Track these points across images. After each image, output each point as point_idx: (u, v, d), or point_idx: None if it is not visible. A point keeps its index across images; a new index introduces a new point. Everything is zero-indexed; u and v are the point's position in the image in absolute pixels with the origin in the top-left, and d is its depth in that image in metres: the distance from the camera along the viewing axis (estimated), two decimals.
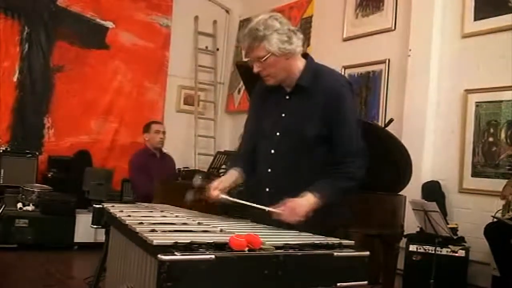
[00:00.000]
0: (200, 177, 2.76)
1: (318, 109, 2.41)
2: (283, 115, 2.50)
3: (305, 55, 2.56)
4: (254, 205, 2.38)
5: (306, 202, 2.29)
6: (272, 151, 2.50)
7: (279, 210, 2.27)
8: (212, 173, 5.08)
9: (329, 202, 2.34)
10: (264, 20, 2.38)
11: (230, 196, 2.48)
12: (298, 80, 2.48)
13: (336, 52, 7.07)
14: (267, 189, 2.50)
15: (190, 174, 5.50)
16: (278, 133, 2.49)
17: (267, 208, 2.31)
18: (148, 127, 5.87)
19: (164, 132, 5.83)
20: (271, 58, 2.37)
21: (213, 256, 1.48)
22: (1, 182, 6.68)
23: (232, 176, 2.62)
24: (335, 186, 2.37)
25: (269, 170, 2.49)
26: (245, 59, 2.62)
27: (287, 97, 2.52)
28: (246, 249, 1.58)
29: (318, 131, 2.40)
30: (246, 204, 2.42)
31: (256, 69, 2.44)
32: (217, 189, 2.50)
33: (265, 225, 2.27)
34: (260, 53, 2.37)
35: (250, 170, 2.62)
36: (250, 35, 2.38)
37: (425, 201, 4.65)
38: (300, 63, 2.50)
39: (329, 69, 2.59)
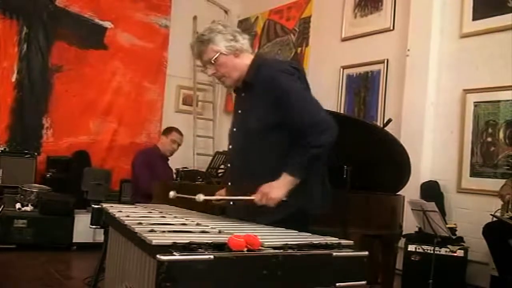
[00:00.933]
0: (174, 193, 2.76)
1: (259, 100, 2.46)
2: (239, 111, 2.63)
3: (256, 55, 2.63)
4: (234, 198, 2.50)
5: (280, 183, 2.34)
6: (230, 146, 2.65)
7: (253, 197, 2.35)
8: (211, 173, 5.08)
9: (302, 175, 2.37)
10: (209, 26, 2.53)
11: None
12: (245, 76, 2.54)
13: (334, 52, 7.09)
14: (229, 183, 2.63)
15: (189, 174, 5.51)
16: (234, 129, 2.63)
17: (241, 198, 2.42)
18: (169, 131, 5.77)
19: (179, 145, 5.76)
20: (220, 57, 2.48)
21: (212, 256, 1.48)
22: (0, 183, 6.67)
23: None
24: (302, 159, 2.37)
25: (229, 165, 2.65)
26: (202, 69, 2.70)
27: (242, 95, 2.62)
28: (245, 249, 1.58)
29: (263, 122, 2.44)
30: (227, 199, 2.54)
31: (210, 73, 2.55)
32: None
33: (263, 225, 2.27)
34: (210, 55, 2.49)
35: None
36: (198, 42, 2.53)
37: (424, 201, 4.66)
38: (249, 61, 2.56)
39: (272, 60, 2.68)
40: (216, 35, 2.48)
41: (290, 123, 2.40)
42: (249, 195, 2.39)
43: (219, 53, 2.47)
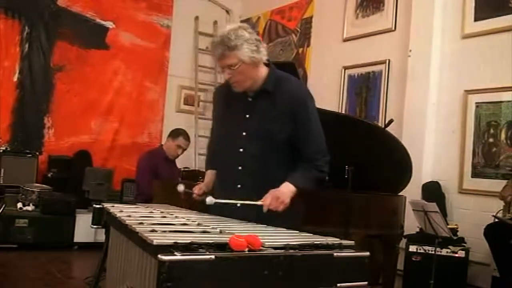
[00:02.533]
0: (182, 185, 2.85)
1: (284, 112, 2.59)
2: (247, 116, 2.66)
3: (267, 64, 2.69)
4: (242, 202, 2.51)
5: (287, 190, 2.52)
6: (241, 149, 2.64)
7: (265, 201, 2.45)
8: None
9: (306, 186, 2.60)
10: (235, 30, 2.53)
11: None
12: (264, 85, 2.63)
13: (336, 53, 7.09)
14: (239, 186, 2.64)
15: (190, 174, 5.52)
16: (244, 133, 2.64)
17: (253, 203, 2.46)
18: (176, 135, 5.69)
19: (184, 150, 5.73)
20: (241, 66, 2.52)
21: (213, 257, 1.48)
22: (1, 182, 6.67)
23: (210, 176, 2.89)
24: (308, 176, 2.61)
25: (239, 167, 2.64)
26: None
27: (250, 99, 2.67)
28: (246, 249, 1.58)
29: (285, 133, 2.59)
30: (234, 203, 2.53)
31: (226, 76, 2.60)
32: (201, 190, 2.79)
33: (265, 225, 2.27)
34: (232, 61, 2.52)
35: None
36: (222, 43, 2.52)
37: (425, 202, 4.65)
38: (263, 70, 2.65)
39: (289, 76, 2.73)
40: (243, 44, 2.50)
41: (297, 141, 2.61)
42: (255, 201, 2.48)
43: (242, 62, 2.51)
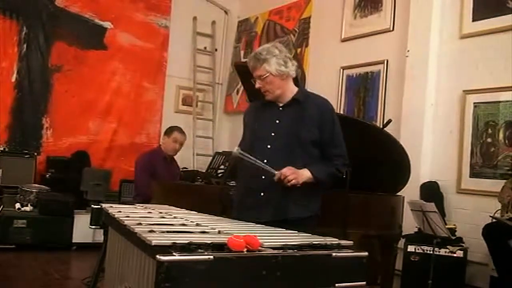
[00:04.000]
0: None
1: (312, 118, 2.99)
2: (278, 121, 3.03)
3: (296, 83, 3.13)
4: (264, 165, 2.84)
5: (304, 172, 2.89)
6: (269, 146, 2.99)
7: (282, 170, 2.81)
8: (211, 174, 5.08)
9: (319, 181, 2.95)
10: (268, 47, 2.99)
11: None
12: (295, 95, 3.04)
13: (334, 53, 7.09)
14: (263, 177, 2.93)
15: (189, 174, 5.51)
16: (273, 134, 3.01)
17: (273, 171, 2.83)
18: (170, 131, 5.65)
19: (181, 144, 5.72)
20: (269, 77, 2.94)
21: (211, 257, 1.48)
22: (0, 183, 6.68)
23: None
24: (326, 170, 2.99)
25: (265, 161, 2.90)
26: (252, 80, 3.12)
27: (281, 109, 3.05)
28: (245, 249, 1.58)
29: (312, 135, 2.97)
30: (257, 164, 2.85)
31: (257, 85, 2.98)
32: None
33: (263, 226, 2.27)
34: (261, 73, 2.94)
35: None
36: (254, 58, 2.97)
37: (424, 202, 4.66)
38: (292, 86, 3.06)
39: (315, 94, 3.18)
40: (271, 58, 2.92)
41: (323, 143, 3.00)
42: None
43: (269, 73, 2.92)
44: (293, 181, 2.80)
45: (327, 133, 3.00)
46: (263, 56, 2.93)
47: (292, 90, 3.05)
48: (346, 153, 3.07)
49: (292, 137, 2.97)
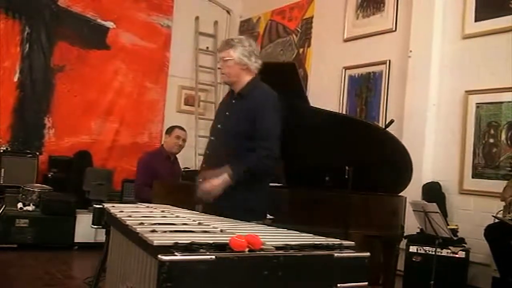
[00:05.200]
0: None
1: (250, 112, 3.11)
2: (227, 113, 3.29)
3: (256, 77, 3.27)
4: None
5: (222, 178, 2.98)
6: (212, 138, 3.35)
7: (202, 186, 3.06)
8: None
9: (239, 179, 2.98)
10: (241, 37, 3.28)
11: None
12: (241, 90, 3.21)
13: (336, 53, 7.09)
14: (204, 165, 3.34)
15: (191, 174, 5.50)
16: (219, 126, 3.30)
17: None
18: (171, 130, 5.65)
19: (184, 140, 5.72)
20: (230, 62, 3.16)
21: (213, 257, 1.48)
22: (2, 182, 6.68)
23: None
24: (244, 166, 3.02)
25: (207, 151, 3.35)
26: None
27: (233, 101, 3.28)
28: (247, 249, 1.58)
29: (245, 129, 3.09)
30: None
31: (218, 65, 3.42)
32: None
33: (265, 225, 2.27)
34: (225, 55, 3.18)
35: None
36: (225, 41, 3.28)
37: (426, 202, 4.66)
38: (248, 78, 3.21)
39: (264, 85, 3.23)
40: (239, 46, 3.15)
41: (252, 135, 3.06)
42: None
43: (232, 58, 3.14)
44: (212, 196, 2.99)
45: (257, 125, 3.07)
46: (233, 42, 3.18)
47: (245, 82, 3.21)
48: (275, 147, 3.07)
49: (230, 130, 3.17)
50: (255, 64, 3.19)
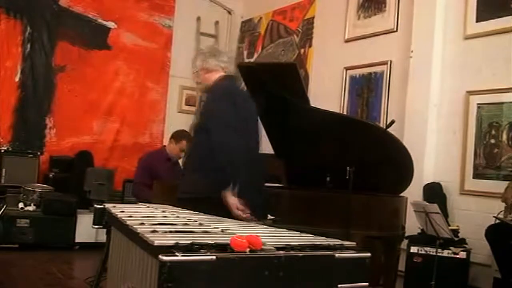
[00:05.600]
0: None
1: (203, 106, 3.55)
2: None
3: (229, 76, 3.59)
4: None
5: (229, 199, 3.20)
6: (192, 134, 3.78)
7: None
8: None
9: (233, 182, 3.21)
10: (200, 48, 3.78)
11: None
12: (206, 87, 3.55)
13: (338, 53, 7.09)
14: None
15: None
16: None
17: None
18: (179, 138, 5.64)
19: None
20: (198, 72, 3.56)
21: (214, 257, 1.48)
22: (3, 182, 6.69)
23: None
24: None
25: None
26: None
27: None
28: (247, 250, 1.58)
29: (199, 123, 3.48)
30: None
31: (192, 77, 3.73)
32: None
33: (266, 226, 2.27)
34: (194, 69, 3.61)
35: None
36: (192, 60, 3.68)
37: (427, 203, 4.66)
38: (215, 78, 3.49)
39: (220, 83, 3.46)
40: (199, 56, 3.59)
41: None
42: None
43: (198, 69, 3.55)
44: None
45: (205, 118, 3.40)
46: (196, 56, 3.68)
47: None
48: (216, 137, 3.17)
49: (194, 126, 3.62)
50: (215, 63, 3.50)
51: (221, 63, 3.50)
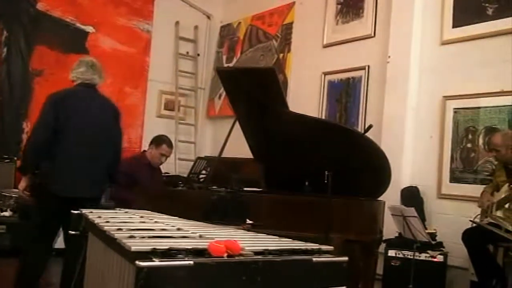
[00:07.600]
0: None
1: None
2: None
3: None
4: None
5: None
6: None
7: None
8: (192, 179, 5.07)
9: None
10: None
11: None
12: None
13: (316, 58, 7.12)
14: None
15: (171, 179, 5.49)
16: None
17: None
18: (159, 143, 5.58)
19: (167, 158, 5.65)
20: None
21: (191, 262, 1.47)
22: None
23: None
24: None
25: None
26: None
27: None
28: (225, 255, 1.58)
29: None
30: None
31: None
32: None
33: (245, 231, 2.27)
34: None
35: None
36: None
37: (404, 207, 4.69)
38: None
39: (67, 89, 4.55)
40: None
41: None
42: None
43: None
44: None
45: None
46: None
47: None
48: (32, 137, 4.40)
49: None
50: (74, 73, 4.64)
51: (72, 77, 4.67)
